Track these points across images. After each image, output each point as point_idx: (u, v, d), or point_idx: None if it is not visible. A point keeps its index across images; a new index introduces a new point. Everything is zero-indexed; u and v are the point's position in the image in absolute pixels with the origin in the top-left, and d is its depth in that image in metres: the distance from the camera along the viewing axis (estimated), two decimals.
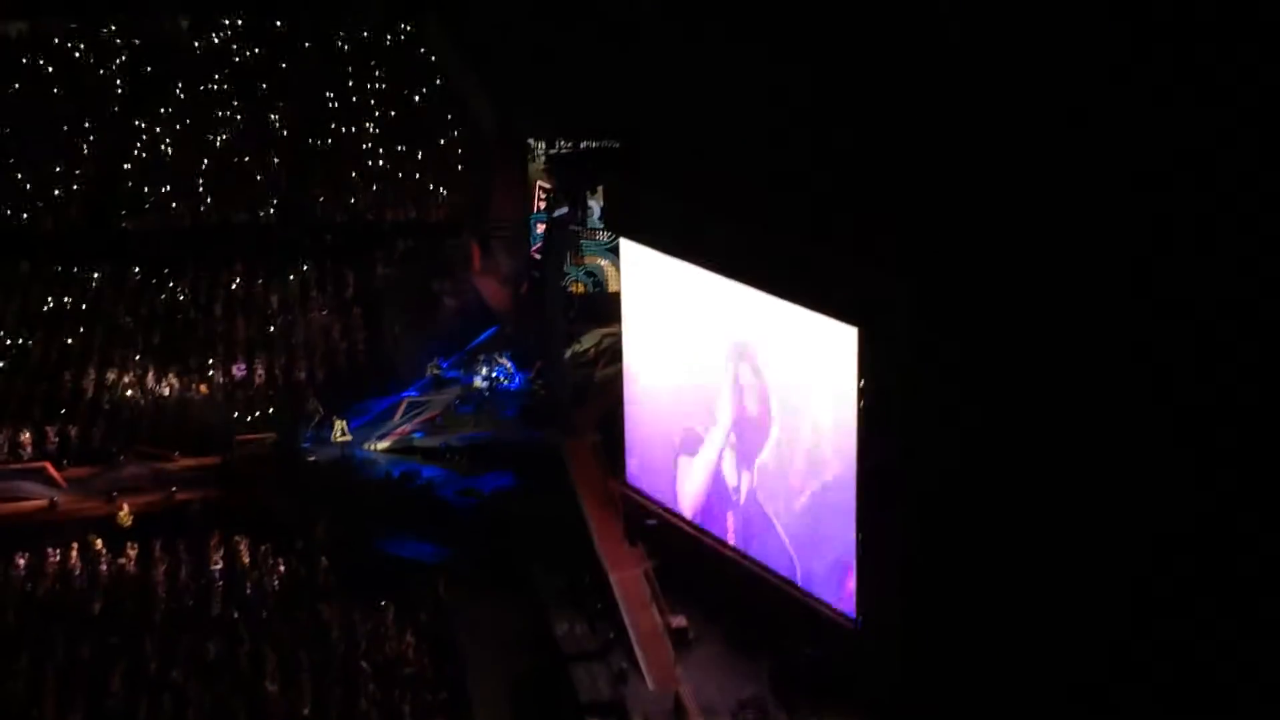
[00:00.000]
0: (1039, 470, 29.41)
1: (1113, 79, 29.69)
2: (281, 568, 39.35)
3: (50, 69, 62.27)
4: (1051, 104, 30.44)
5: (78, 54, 63.28)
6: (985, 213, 30.91)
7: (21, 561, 39.51)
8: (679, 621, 36.01)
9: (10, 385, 48.19)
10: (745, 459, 36.39)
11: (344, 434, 45.72)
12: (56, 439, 45.58)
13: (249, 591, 38.66)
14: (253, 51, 64.80)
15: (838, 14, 36.84)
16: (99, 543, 40.35)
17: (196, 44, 64.58)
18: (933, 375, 30.32)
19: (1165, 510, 27.80)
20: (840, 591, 33.77)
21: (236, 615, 37.68)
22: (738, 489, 36.82)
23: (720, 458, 37.28)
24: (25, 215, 57.54)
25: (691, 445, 38.23)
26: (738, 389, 36.14)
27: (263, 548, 40.11)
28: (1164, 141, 28.56)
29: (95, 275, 54.54)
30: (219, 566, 39.52)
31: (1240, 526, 27.14)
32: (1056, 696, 29.15)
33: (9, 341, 50.72)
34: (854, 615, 33.36)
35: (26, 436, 45.44)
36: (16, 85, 61.37)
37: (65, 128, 60.52)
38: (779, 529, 35.65)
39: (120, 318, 52.47)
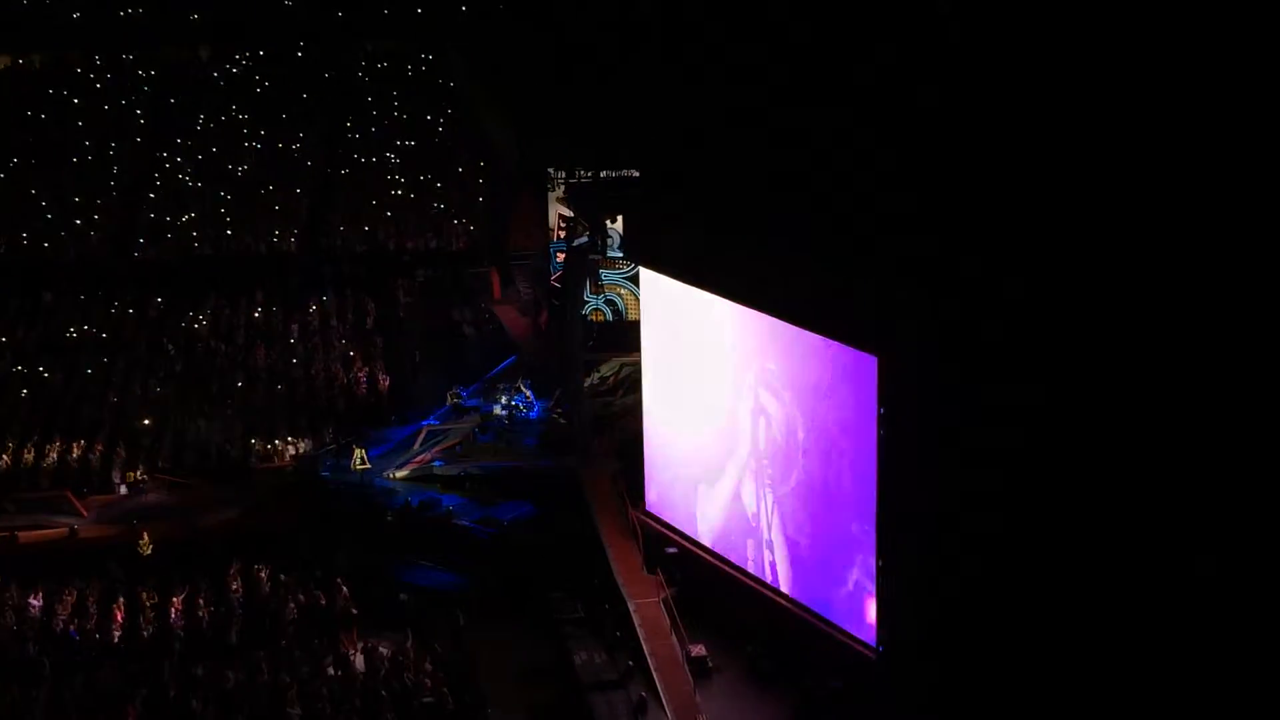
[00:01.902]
0: (1060, 496, 29.31)
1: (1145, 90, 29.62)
2: (301, 596, 39.34)
3: (74, 99, 62.57)
4: (1081, 119, 30.34)
5: (100, 85, 63.59)
6: (1004, 242, 30.84)
7: (42, 589, 39.58)
8: (698, 650, 35.91)
9: (32, 413, 48.34)
10: (765, 486, 36.34)
11: (363, 462, 45.77)
12: (77, 466, 45.73)
13: (268, 620, 38.67)
14: (273, 81, 65.07)
15: (854, 45, 36.86)
16: (119, 570, 40.41)
17: (217, 74, 64.82)
18: (952, 403, 30.26)
19: (1196, 537, 27.67)
20: (861, 619, 33.68)
21: (255, 643, 37.67)
22: (757, 515, 36.76)
23: (740, 485, 37.23)
24: (48, 244, 57.76)
25: (711, 473, 38.20)
26: (758, 415, 36.11)
27: (282, 576, 40.12)
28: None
29: (116, 304, 54.71)
30: (238, 594, 39.57)
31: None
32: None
33: (31, 370, 50.91)
34: (874, 644, 33.26)
35: (48, 464, 45.63)
36: (41, 115, 61.67)
37: (88, 157, 60.77)
38: (799, 556, 35.58)
39: (141, 346, 52.64)
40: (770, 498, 36.21)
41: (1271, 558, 26.83)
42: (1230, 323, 27.52)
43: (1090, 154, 29.96)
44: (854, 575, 33.65)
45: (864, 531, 32.94)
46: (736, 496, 37.36)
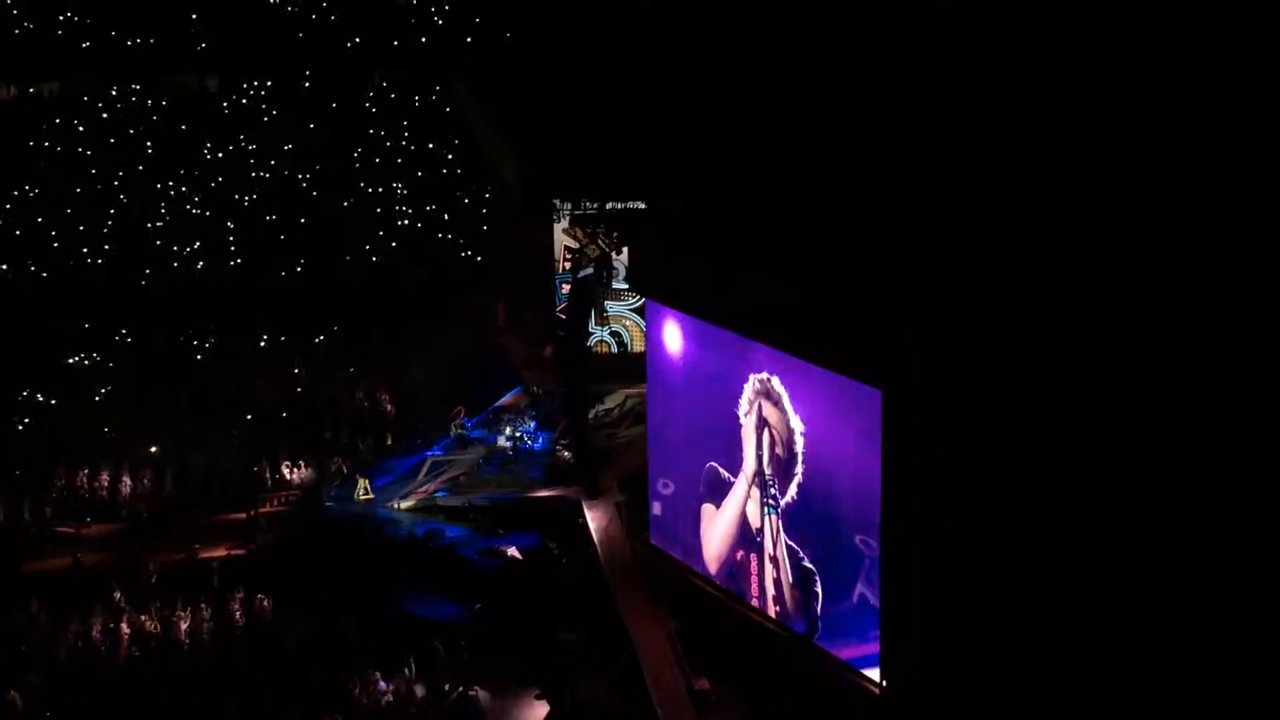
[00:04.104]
0: (1067, 531, 29.26)
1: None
2: (302, 626, 39.26)
3: (80, 128, 62.61)
4: (1094, 148, 30.37)
5: (107, 114, 63.59)
6: (1010, 276, 30.89)
7: (45, 618, 39.53)
8: (701, 683, 35.81)
9: (35, 442, 48.32)
10: (770, 501, 36.24)
11: (368, 492, 45.77)
12: (85, 496, 45.70)
13: (270, 649, 38.59)
14: (281, 111, 65.09)
15: (861, 73, 37.00)
16: (122, 599, 40.37)
17: (225, 104, 64.82)
18: (958, 437, 30.22)
19: (1204, 576, 27.65)
20: (863, 652, 33.57)
21: (257, 673, 37.61)
22: (761, 531, 36.65)
23: (745, 502, 37.09)
24: (53, 274, 57.93)
25: (716, 492, 38.02)
26: (760, 447, 36.03)
27: (285, 605, 40.05)
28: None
29: (121, 334, 54.79)
30: (241, 623, 39.51)
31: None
32: None
33: (35, 399, 50.97)
34: (878, 677, 33.16)
35: (53, 494, 45.62)
36: (46, 144, 61.74)
37: (96, 185, 60.89)
38: (803, 577, 35.47)
39: (145, 376, 52.67)
40: (775, 512, 36.11)
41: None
42: (1242, 358, 27.59)
43: (1098, 183, 30.04)
44: (857, 606, 33.59)
45: (868, 560, 32.90)
46: (742, 513, 37.23)
